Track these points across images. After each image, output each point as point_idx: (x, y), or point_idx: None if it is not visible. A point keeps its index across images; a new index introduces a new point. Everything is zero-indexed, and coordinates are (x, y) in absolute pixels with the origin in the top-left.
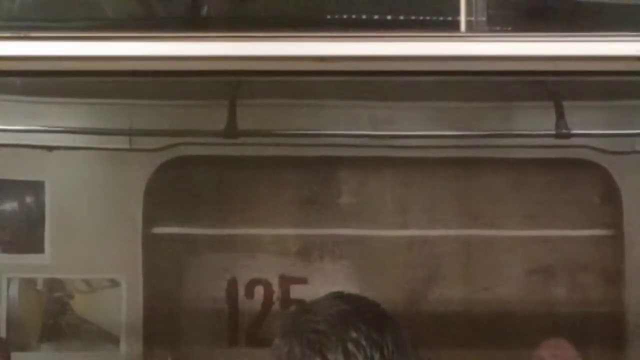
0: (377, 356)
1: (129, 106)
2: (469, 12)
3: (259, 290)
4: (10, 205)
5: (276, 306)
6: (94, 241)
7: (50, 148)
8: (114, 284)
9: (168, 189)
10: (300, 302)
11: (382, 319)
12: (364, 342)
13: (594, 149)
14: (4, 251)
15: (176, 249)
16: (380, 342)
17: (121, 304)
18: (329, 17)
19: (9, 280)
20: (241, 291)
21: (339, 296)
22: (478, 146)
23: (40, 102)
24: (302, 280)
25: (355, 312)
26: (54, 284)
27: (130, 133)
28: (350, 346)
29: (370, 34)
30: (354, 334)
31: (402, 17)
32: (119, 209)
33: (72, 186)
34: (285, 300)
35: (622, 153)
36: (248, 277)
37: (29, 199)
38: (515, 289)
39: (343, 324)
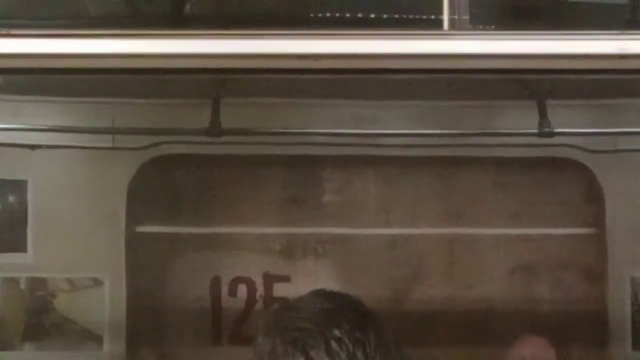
0: (359, 354)
1: (112, 105)
2: (451, 10)
3: (242, 289)
4: None
5: (259, 304)
6: (76, 240)
7: (32, 147)
8: (97, 283)
9: (151, 187)
10: (283, 300)
11: (365, 317)
12: (346, 340)
13: (576, 147)
14: None
15: (159, 247)
16: (363, 339)
17: (104, 303)
18: (312, 15)
19: None
20: (224, 289)
21: (322, 294)
22: (461, 145)
23: (23, 100)
24: (286, 279)
25: (338, 310)
26: (36, 283)
27: (113, 132)
28: (334, 344)
29: (353, 32)
30: (337, 332)
31: (385, 15)
32: (102, 208)
33: (54, 185)
34: (269, 298)
35: (604, 152)
36: (231, 275)
37: (11, 198)
38: (498, 287)
39: (326, 322)
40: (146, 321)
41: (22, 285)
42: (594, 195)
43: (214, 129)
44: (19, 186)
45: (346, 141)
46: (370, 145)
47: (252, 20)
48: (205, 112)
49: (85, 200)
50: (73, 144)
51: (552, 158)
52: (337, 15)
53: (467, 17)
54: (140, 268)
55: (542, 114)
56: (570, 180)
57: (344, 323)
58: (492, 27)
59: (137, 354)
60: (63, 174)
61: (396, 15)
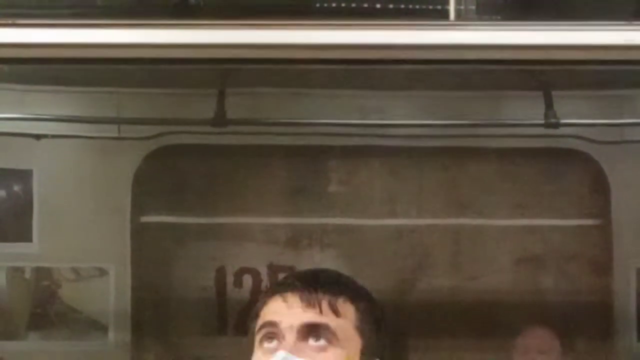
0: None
1: (118, 94)
2: (458, 1)
3: (248, 279)
4: None
5: None
6: (82, 230)
7: (38, 136)
8: (102, 272)
9: (157, 177)
10: None
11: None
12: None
13: (582, 138)
14: None
15: (165, 237)
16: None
17: (109, 292)
18: (318, 5)
19: None
20: (230, 280)
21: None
22: (466, 135)
23: (28, 90)
24: (291, 269)
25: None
26: (42, 273)
27: (118, 121)
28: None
29: (359, 22)
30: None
31: (391, 6)
32: (107, 198)
33: (60, 175)
34: None
35: (610, 143)
36: (236, 265)
37: (16, 188)
38: (503, 278)
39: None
40: (151, 311)
41: (27, 275)
42: (599, 187)
43: (219, 119)
44: (24, 176)
45: (351, 131)
46: (376, 135)
47: (257, 11)
48: (211, 102)
49: (91, 190)
50: (78, 133)
51: (558, 149)
52: (343, 5)
53: (473, 7)
54: (145, 258)
55: (549, 104)
56: (576, 171)
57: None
58: (499, 17)
59: (142, 344)
60: (68, 164)
61: (402, 6)
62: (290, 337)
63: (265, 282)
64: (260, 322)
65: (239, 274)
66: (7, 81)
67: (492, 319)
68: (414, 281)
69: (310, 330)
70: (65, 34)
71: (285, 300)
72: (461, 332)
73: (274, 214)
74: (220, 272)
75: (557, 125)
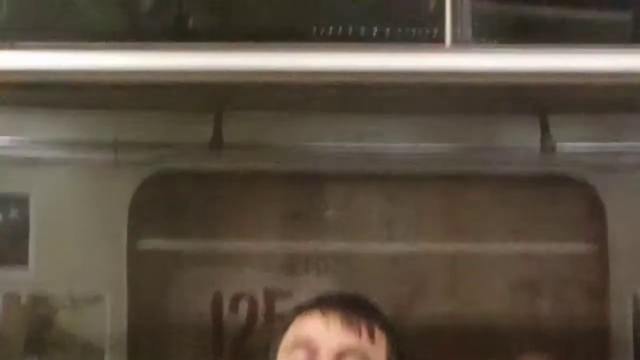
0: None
1: (114, 119)
2: (454, 25)
3: (244, 305)
4: None
5: (261, 320)
6: (78, 255)
7: (35, 161)
8: (98, 298)
9: (153, 202)
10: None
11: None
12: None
13: (579, 164)
14: None
15: (161, 263)
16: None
17: (106, 318)
18: (315, 29)
19: None
20: (226, 305)
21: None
22: (463, 161)
23: (25, 113)
24: (287, 294)
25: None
26: (38, 298)
27: (114, 145)
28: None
29: (356, 47)
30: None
31: (388, 30)
32: (104, 223)
33: (56, 200)
34: (270, 314)
35: (606, 168)
36: (233, 291)
37: (13, 212)
38: (500, 303)
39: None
40: (147, 337)
41: (23, 300)
42: (596, 212)
43: (216, 143)
44: (21, 200)
45: (349, 156)
46: (373, 160)
47: (254, 35)
48: (208, 127)
49: (88, 215)
50: (75, 158)
51: (554, 175)
52: (340, 30)
53: (469, 32)
54: (141, 283)
55: (545, 129)
56: (572, 197)
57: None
58: (495, 42)
59: None
60: (65, 189)
61: (399, 30)
62: (327, 358)
63: (261, 308)
64: (296, 333)
65: (235, 299)
66: (3, 105)
67: (489, 345)
68: (411, 306)
69: (347, 354)
70: (62, 57)
71: (325, 318)
72: (458, 358)
73: (270, 238)
74: (217, 298)
75: (553, 149)
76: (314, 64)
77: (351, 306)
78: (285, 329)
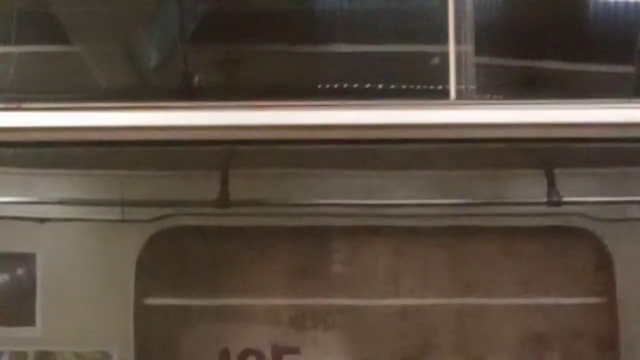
0: None
1: (121, 177)
2: (458, 80)
3: None
4: (1, 278)
5: None
6: (85, 313)
7: (41, 220)
8: (106, 356)
9: (160, 259)
10: None
11: None
12: None
13: (585, 216)
14: None
15: (168, 320)
16: None
17: None
18: (320, 86)
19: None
20: None
21: None
22: (470, 214)
23: (32, 173)
24: (295, 350)
25: None
26: (45, 357)
27: (122, 204)
28: None
29: (361, 102)
30: None
31: (393, 86)
32: (111, 281)
33: (63, 258)
34: None
35: (613, 220)
36: (240, 347)
37: (20, 271)
38: (509, 357)
39: None
40: None
41: (31, 359)
42: (604, 264)
43: (223, 201)
44: (27, 259)
45: (355, 212)
46: (379, 215)
47: (260, 92)
48: (214, 184)
49: (94, 273)
50: (82, 216)
51: (561, 227)
52: (345, 86)
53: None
54: (149, 340)
55: (551, 182)
56: (579, 249)
57: None
58: (499, 96)
59: None
60: (72, 247)
61: (404, 86)
62: None
63: None
64: None
65: (243, 356)
66: (11, 164)
67: None
68: None
69: None
70: (69, 117)
71: None
72: None
73: (277, 294)
74: (224, 354)
75: (559, 203)
76: (320, 120)
77: None
78: None
